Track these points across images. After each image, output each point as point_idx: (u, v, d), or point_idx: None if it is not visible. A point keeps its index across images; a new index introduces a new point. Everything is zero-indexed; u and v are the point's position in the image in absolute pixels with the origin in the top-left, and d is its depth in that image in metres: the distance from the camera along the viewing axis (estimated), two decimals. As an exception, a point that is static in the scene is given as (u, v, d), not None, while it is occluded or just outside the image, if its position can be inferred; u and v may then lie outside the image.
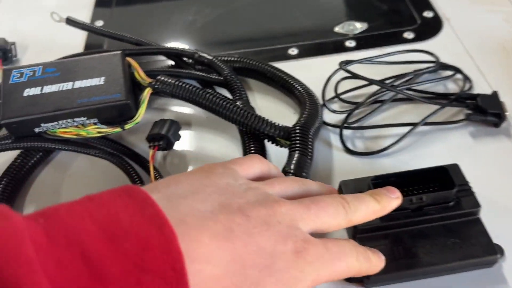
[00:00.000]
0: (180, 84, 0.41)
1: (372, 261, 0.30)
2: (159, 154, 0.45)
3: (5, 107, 0.39)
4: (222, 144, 0.45)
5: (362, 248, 0.30)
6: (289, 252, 0.26)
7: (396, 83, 0.46)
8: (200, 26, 0.59)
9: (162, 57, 0.52)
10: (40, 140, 0.41)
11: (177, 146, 0.44)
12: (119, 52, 0.42)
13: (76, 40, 0.58)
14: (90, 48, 0.57)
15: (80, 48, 0.58)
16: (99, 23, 0.61)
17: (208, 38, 0.57)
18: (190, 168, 0.44)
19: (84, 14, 0.63)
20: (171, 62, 0.51)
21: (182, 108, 0.49)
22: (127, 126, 0.41)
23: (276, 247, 0.25)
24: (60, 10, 0.53)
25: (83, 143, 0.43)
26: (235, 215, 0.25)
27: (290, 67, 0.48)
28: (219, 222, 0.25)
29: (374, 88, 0.46)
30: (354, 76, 0.44)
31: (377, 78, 0.46)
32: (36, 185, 0.44)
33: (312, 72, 0.50)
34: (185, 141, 0.46)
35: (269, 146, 0.42)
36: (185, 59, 0.49)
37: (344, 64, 0.44)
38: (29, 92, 0.40)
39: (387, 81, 0.46)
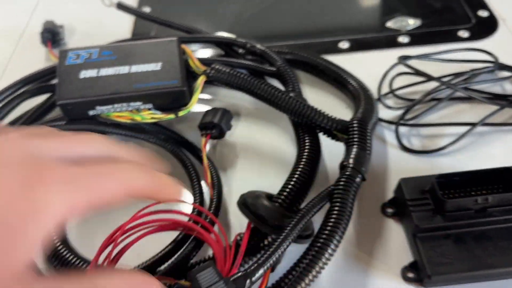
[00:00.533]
0: (236, 73, 0.41)
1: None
2: (209, 143, 0.45)
3: (62, 89, 0.39)
4: (273, 135, 0.45)
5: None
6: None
7: (453, 82, 0.45)
8: (248, 17, 0.58)
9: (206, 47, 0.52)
10: (93, 123, 0.41)
11: (228, 135, 0.44)
12: (175, 38, 0.42)
13: (124, 26, 0.59)
14: (137, 34, 0.57)
15: (127, 34, 0.58)
16: (147, 10, 0.61)
17: (255, 30, 0.57)
18: (239, 159, 0.43)
19: (131, 1, 0.63)
20: (216, 52, 0.50)
21: (230, 99, 0.48)
22: (180, 113, 0.41)
23: None
24: (108, -5, 0.53)
25: (135, 128, 0.42)
26: None
27: (341, 61, 0.48)
28: None
29: (429, 85, 0.45)
30: (416, 71, 0.43)
31: (433, 75, 0.45)
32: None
33: (364, 66, 0.49)
34: (234, 132, 0.45)
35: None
36: (235, 48, 0.49)
37: (403, 59, 0.43)
38: (85, 74, 0.40)
39: (444, 79, 0.45)
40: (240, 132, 0.45)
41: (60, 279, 0.23)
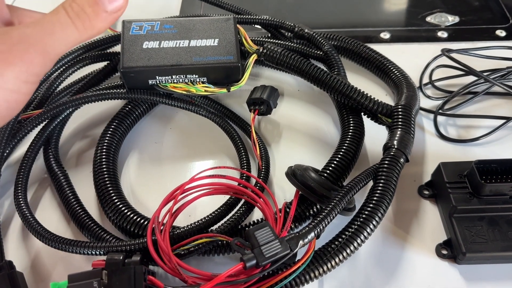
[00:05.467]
0: (287, 53, 0.43)
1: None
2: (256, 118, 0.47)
3: (126, 57, 0.42)
4: (314, 116, 0.47)
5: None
6: None
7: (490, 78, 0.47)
8: (292, 3, 0.60)
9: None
10: (150, 94, 0.44)
11: (271, 114, 0.46)
12: (231, 17, 0.44)
13: (172, 4, 0.61)
14: (185, 12, 0.59)
15: (175, 12, 0.60)
16: (193, -10, 0.63)
17: (299, 16, 0.59)
18: (282, 136, 0.46)
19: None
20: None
21: (273, 80, 0.51)
22: (232, 88, 0.43)
23: None
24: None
25: (187, 101, 0.45)
26: None
27: (381, 51, 0.49)
28: None
29: (466, 79, 0.47)
30: (459, 63, 0.45)
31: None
32: (140, 133, 0.47)
33: (403, 57, 0.51)
34: (278, 111, 0.48)
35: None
36: (283, 32, 0.51)
37: (446, 51, 0.45)
38: (148, 45, 0.42)
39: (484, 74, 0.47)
40: (283, 111, 0.48)
41: None
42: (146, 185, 0.42)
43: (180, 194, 0.35)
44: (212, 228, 0.36)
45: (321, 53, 0.47)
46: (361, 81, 0.50)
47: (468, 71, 0.45)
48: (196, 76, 0.42)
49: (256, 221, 0.37)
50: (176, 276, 0.31)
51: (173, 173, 0.43)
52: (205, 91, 0.43)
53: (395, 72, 0.46)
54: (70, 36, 0.24)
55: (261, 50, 0.44)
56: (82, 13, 0.24)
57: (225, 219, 0.36)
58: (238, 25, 0.45)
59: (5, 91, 0.24)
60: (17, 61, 0.24)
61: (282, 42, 0.48)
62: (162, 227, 0.33)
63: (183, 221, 0.39)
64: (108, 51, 0.49)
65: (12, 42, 0.24)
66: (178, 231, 0.34)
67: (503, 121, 0.44)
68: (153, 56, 0.41)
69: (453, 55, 0.48)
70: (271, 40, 0.48)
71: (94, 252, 0.33)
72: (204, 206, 0.40)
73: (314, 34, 0.48)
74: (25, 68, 0.24)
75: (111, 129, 0.43)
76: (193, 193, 0.36)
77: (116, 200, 0.38)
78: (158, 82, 0.42)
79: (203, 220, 0.36)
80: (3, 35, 0.24)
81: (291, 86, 0.50)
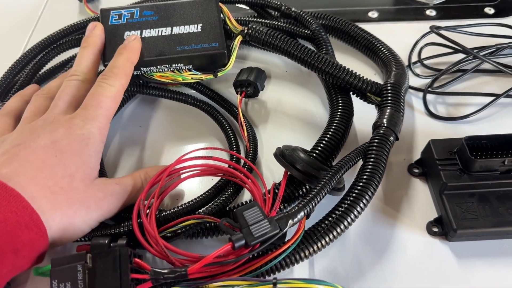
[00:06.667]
0: (273, 33, 0.42)
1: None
2: (242, 101, 0.46)
3: (108, 49, 0.40)
4: (302, 97, 0.46)
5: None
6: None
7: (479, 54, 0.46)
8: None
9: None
10: (137, 86, 0.43)
11: (258, 95, 0.45)
12: (214, -3, 0.43)
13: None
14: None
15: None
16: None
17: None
18: (270, 118, 0.45)
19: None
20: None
21: (260, 62, 0.50)
22: (219, 74, 0.42)
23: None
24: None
25: (170, 90, 0.44)
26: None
27: (370, 29, 0.49)
28: None
29: (455, 57, 0.46)
30: (448, 40, 0.44)
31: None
32: (125, 117, 0.46)
33: (392, 36, 0.50)
34: (265, 93, 0.47)
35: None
36: (269, 11, 0.50)
37: (436, 28, 0.44)
38: (129, 35, 0.41)
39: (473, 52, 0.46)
40: (271, 93, 0.47)
41: None
42: (132, 169, 0.41)
43: (166, 176, 0.34)
44: (200, 210, 0.35)
45: (308, 32, 0.46)
46: (349, 60, 0.49)
47: (457, 48, 0.44)
48: (182, 64, 0.41)
49: (245, 203, 0.36)
50: (163, 259, 0.30)
51: (159, 157, 0.42)
52: (192, 78, 0.42)
53: (384, 50, 0.45)
54: (138, 197, 0.34)
55: (246, 30, 0.43)
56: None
57: (214, 201, 0.35)
58: (221, 4, 0.44)
59: (83, 224, 0.31)
60: (104, 207, 0.32)
61: (268, 21, 0.47)
62: (148, 210, 0.33)
63: (170, 204, 0.38)
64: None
65: (107, 193, 0.33)
66: (164, 213, 0.34)
67: (492, 98, 0.43)
68: None
69: (442, 32, 0.47)
70: (257, 20, 0.47)
71: (79, 238, 0.33)
72: (193, 189, 0.39)
73: (301, 12, 0.47)
74: (106, 213, 0.33)
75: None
76: (179, 175, 0.36)
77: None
78: (143, 72, 0.41)
79: (190, 202, 0.35)
80: (105, 185, 0.33)
81: (279, 67, 0.49)
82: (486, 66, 0.46)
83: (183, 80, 0.41)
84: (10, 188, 0.28)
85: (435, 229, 0.36)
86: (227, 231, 0.30)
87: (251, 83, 0.43)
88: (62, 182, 0.31)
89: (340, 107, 0.40)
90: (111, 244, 0.31)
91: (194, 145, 0.43)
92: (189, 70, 0.42)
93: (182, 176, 0.35)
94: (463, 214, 0.35)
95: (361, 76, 0.40)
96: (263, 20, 0.47)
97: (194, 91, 0.46)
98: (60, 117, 0.34)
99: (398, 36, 0.50)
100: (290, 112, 0.45)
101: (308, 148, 0.38)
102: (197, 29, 0.41)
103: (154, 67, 0.41)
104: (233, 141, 0.41)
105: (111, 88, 0.36)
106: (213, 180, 0.38)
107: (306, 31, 0.46)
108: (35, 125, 0.34)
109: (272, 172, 0.40)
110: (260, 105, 0.46)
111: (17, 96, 0.41)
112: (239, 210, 0.30)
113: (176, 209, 0.34)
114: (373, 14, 0.53)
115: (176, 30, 0.41)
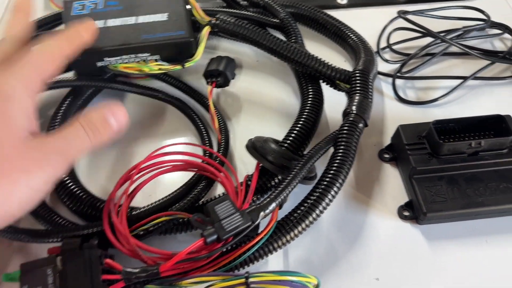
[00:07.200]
0: (241, 23, 0.42)
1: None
2: (213, 92, 0.46)
3: None
4: (274, 87, 0.46)
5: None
6: None
7: (446, 38, 0.47)
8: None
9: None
10: (103, 80, 0.42)
11: (230, 87, 0.45)
12: (180, -13, 0.42)
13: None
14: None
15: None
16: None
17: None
18: (242, 109, 0.45)
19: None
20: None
21: (232, 52, 0.49)
22: (187, 64, 0.41)
23: None
24: None
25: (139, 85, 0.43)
26: None
27: (338, 16, 0.49)
28: None
29: (424, 41, 0.47)
30: (415, 25, 0.44)
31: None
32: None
33: (361, 22, 0.50)
34: (237, 83, 0.46)
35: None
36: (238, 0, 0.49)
37: (402, 13, 0.45)
38: None
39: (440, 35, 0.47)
40: (242, 83, 0.47)
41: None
42: (103, 167, 0.41)
43: (136, 174, 0.34)
44: (173, 206, 0.35)
45: (277, 21, 0.46)
46: (320, 48, 0.49)
47: (425, 32, 0.45)
48: (148, 54, 0.40)
49: (218, 196, 0.36)
50: (135, 258, 0.30)
51: (131, 155, 0.41)
52: (159, 69, 0.41)
53: (352, 37, 0.45)
54: (84, 145, 0.30)
55: (213, 21, 0.42)
56: (95, 129, 0.30)
57: (186, 197, 0.35)
58: (188, -5, 0.43)
59: (30, 190, 0.28)
60: (47, 167, 0.29)
61: (237, 11, 0.47)
62: (119, 209, 0.32)
63: (143, 201, 0.38)
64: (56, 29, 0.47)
65: (46, 151, 0.29)
66: (136, 211, 0.33)
67: (460, 81, 0.44)
68: (99, 36, 0.39)
69: (410, 17, 0.47)
70: (225, 10, 0.46)
71: (48, 240, 0.32)
72: (168, 185, 0.39)
73: (269, 1, 0.47)
74: (52, 172, 0.29)
75: (62, 110, 0.41)
76: (151, 171, 0.35)
77: (70, 184, 0.36)
78: (107, 63, 0.40)
79: (162, 199, 0.35)
80: (41, 144, 0.29)
81: (250, 57, 0.49)
82: (454, 49, 0.47)
83: (149, 70, 0.41)
84: None
85: (406, 213, 0.37)
86: (199, 226, 0.30)
87: (221, 72, 0.43)
88: None
89: (310, 96, 0.40)
90: (83, 245, 0.30)
91: (168, 140, 0.42)
92: (156, 60, 0.41)
93: (153, 173, 0.35)
94: (432, 198, 0.35)
95: (329, 64, 0.40)
96: (232, 10, 0.47)
97: (164, 84, 0.45)
98: None
99: (367, 22, 0.50)
100: (263, 102, 0.45)
101: (282, 138, 0.38)
102: (163, 18, 0.41)
103: (119, 57, 0.40)
104: (205, 135, 0.40)
105: (48, 47, 0.32)
106: (189, 175, 0.37)
107: (275, 20, 0.46)
108: None
109: (246, 164, 0.40)
110: (232, 96, 0.46)
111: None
112: (210, 204, 0.30)
113: (148, 206, 0.34)
114: (342, 0, 0.53)
115: (142, 19, 0.41)
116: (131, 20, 0.40)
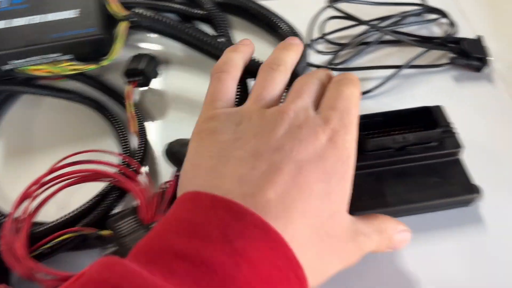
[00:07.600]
0: (159, 17, 0.39)
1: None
2: (137, 91, 0.43)
3: None
4: (204, 84, 0.44)
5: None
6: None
7: (381, 25, 0.45)
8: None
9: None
10: (10, 83, 0.39)
11: (156, 84, 0.42)
12: (91, -20, 0.39)
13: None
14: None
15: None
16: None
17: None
18: (170, 108, 0.42)
19: None
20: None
21: (160, 46, 0.47)
22: (103, 63, 0.39)
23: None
24: None
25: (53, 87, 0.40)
26: None
27: (273, 6, 0.46)
28: None
29: (360, 29, 0.45)
30: (346, 15, 0.42)
31: (363, 19, 0.44)
32: (3, 120, 0.42)
33: (296, 11, 0.48)
34: (164, 79, 0.44)
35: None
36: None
37: (333, 1, 0.43)
38: None
39: (373, 23, 0.45)
40: (170, 80, 0.44)
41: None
42: (16, 181, 0.38)
43: (37, 190, 0.31)
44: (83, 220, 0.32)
45: (204, 12, 0.43)
46: (252, 40, 0.46)
47: (357, 21, 0.43)
48: (60, 54, 0.38)
49: (126, 209, 0.34)
50: (32, 280, 0.28)
51: (47, 163, 0.39)
52: (72, 69, 0.38)
53: (284, 28, 0.43)
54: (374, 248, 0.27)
55: (129, 16, 0.39)
56: (390, 242, 0.27)
57: (96, 209, 0.33)
58: (103, -12, 0.40)
59: (321, 279, 0.23)
60: (345, 261, 0.24)
61: (160, 3, 0.44)
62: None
63: (55, 214, 0.35)
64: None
65: (355, 240, 0.25)
66: (39, 229, 0.31)
67: (395, 70, 0.42)
68: (2, 38, 0.36)
69: (343, 4, 0.45)
70: (145, 2, 0.43)
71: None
72: (81, 196, 0.36)
73: (194, -8, 0.44)
74: (349, 264, 0.25)
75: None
76: (56, 183, 0.33)
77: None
78: (13, 67, 0.37)
79: (70, 213, 0.32)
80: (356, 229, 0.25)
81: (180, 51, 0.46)
82: (390, 37, 0.45)
83: (61, 71, 0.38)
84: (274, 230, 0.20)
85: (335, 214, 0.35)
86: (100, 245, 0.28)
87: (141, 72, 0.40)
88: (327, 224, 0.23)
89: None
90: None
91: (86, 147, 0.40)
92: (70, 60, 0.38)
93: (59, 185, 0.32)
94: (360, 195, 0.33)
95: (255, 59, 0.38)
96: (154, 2, 0.44)
97: (81, 84, 0.42)
98: (318, 120, 0.25)
99: (302, 11, 0.48)
100: (192, 100, 0.43)
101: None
102: (73, 14, 0.38)
103: (26, 60, 0.37)
104: (124, 139, 0.38)
105: None
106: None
107: (200, 11, 0.43)
108: (290, 121, 0.24)
109: (170, 169, 0.38)
110: (159, 95, 0.43)
111: (238, 52, 0.32)
112: (111, 221, 0.28)
113: (54, 222, 0.31)
114: (275, -12, 0.51)
115: (51, 17, 0.38)
116: (38, 18, 0.38)
